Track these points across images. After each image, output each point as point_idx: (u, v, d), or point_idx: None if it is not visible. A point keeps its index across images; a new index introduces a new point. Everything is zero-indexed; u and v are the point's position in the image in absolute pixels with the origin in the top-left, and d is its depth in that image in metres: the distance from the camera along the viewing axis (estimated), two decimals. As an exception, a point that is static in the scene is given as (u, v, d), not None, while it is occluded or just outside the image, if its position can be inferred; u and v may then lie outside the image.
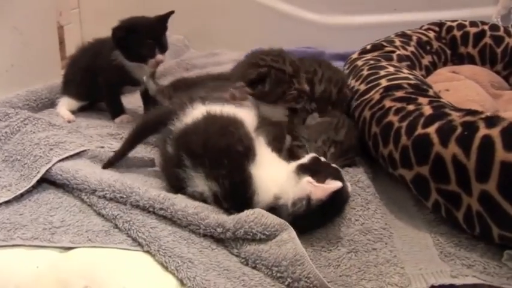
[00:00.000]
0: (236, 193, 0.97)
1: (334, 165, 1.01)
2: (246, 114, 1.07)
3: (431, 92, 1.20)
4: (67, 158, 1.12)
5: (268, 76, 1.18)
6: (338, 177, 0.96)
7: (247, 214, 0.93)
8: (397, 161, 1.05)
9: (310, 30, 2.33)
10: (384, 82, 1.26)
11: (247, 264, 0.90)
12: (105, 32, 1.42)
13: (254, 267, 0.89)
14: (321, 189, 0.91)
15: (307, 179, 0.93)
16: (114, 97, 1.53)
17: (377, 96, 1.21)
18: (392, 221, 1.04)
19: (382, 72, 1.32)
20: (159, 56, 1.40)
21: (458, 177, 0.92)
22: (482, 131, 0.90)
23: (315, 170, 0.96)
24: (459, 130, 0.94)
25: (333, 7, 2.31)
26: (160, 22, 1.43)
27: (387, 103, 1.16)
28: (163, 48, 1.42)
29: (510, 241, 0.89)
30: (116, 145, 1.26)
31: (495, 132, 0.88)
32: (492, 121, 0.92)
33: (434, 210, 1.02)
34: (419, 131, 1.00)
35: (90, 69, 1.51)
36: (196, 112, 1.04)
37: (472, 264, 0.90)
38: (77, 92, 1.55)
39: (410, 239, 0.98)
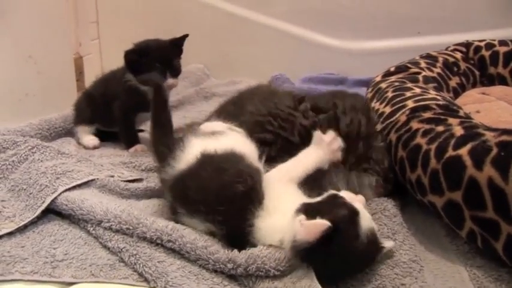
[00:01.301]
0: (235, 240, 0.89)
1: (357, 205, 0.85)
2: (247, 145, 0.99)
3: (461, 113, 1.11)
4: (74, 187, 1.08)
5: (274, 144, 1.10)
6: (347, 219, 0.81)
7: (260, 249, 0.85)
8: (426, 186, 0.97)
9: (332, 56, 2.27)
10: (410, 103, 1.18)
11: (262, 303, 0.82)
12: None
13: (270, 306, 0.81)
14: (304, 227, 0.78)
15: (300, 217, 0.80)
16: (128, 126, 1.49)
17: (403, 118, 1.13)
18: (423, 253, 0.95)
19: (408, 94, 1.24)
20: (169, 81, 1.36)
21: (496, 203, 0.83)
22: None
23: (317, 209, 0.82)
24: (495, 151, 0.85)
25: (354, 32, 2.25)
26: (174, 46, 1.40)
27: (414, 125, 1.08)
28: (175, 72, 1.38)
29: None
30: (127, 174, 1.22)
31: (536, 152, 0.79)
32: (532, 140, 0.83)
33: (469, 240, 0.93)
34: (450, 153, 0.92)
35: (103, 97, 1.49)
36: (189, 156, 0.95)
37: (515, 302, 0.80)
38: (90, 118, 1.53)
39: (443, 273, 0.88)
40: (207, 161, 0.93)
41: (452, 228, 0.95)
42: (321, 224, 0.77)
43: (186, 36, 1.41)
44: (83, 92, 1.64)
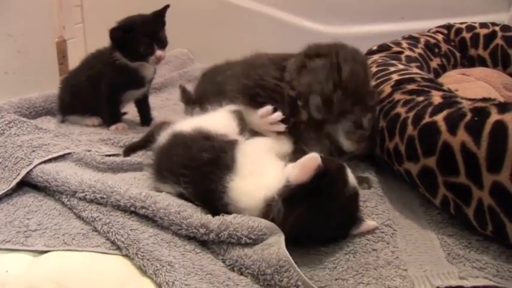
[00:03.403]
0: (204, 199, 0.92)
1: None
2: (219, 122, 1.03)
3: (445, 87, 1.12)
4: (50, 160, 1.08)
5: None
6: (336, 167, 0.86)
7: (234, 216, 0.86)
8: (402, 154, 0.97)
9: (318, 41, 2.25)
10: (395, 76, 1.18)
11: (233, 270, 0.82)
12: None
13: (241, 274, 0.81)
14: (296, 167, 0.81)
15: (288, 165, 0.83)
16: (112, 103, 1.48)
17: (388, 89, 1.13)
18: (396, 219, 0.95)
19: (392, 69, 1.25)
20: (158, 52, 1.36)
21: (468, 168, 0.83)
22: (494, 116, 0.81)
23: None
24: (469, 116, 0.85)
25: (340, 18, 2.25)
26: (157, 18, 1.39)
27: (397, 96, 1.08)
28: (162, 43, 1.38)
29: (526, 240, 0.80)
30: (105, 149, 1.21)
31: (508, 117, 0.79)
32: (505, 107, 0.83)
33: (442, 208, 0.93)
34: (427, 119, 0.92)
35: (88, 81, 1.46)
36: (163, 135, 1.03)
37: (483, 267, 0.80)
38: (81, 110, 1.51)
39: (414, 239, 0.89)
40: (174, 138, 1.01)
41: (427, 198, 0.96)
42: (314, 157, 0.80)
43: (167, 7, 1.39)
44: (64, 81, 1.59)
